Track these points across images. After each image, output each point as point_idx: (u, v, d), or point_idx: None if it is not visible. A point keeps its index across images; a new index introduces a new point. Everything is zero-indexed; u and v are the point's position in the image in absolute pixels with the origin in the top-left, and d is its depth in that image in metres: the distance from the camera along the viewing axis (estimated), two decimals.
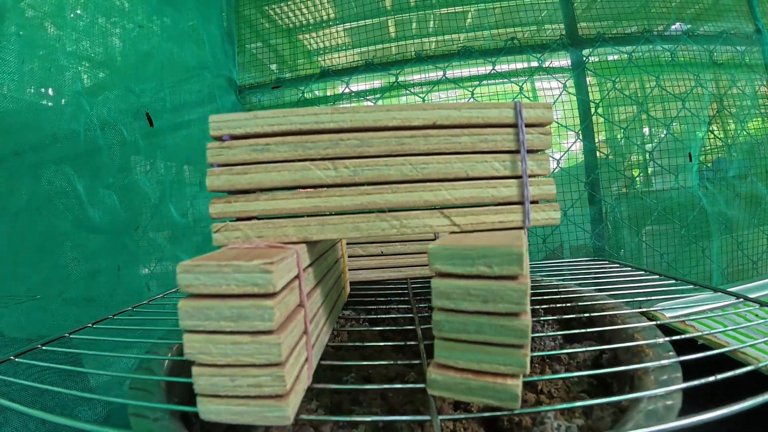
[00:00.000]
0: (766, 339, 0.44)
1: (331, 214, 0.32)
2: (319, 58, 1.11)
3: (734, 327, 0.50)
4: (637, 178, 1.00)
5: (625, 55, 0.99)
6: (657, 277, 0.60)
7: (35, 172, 0.60)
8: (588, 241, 0.96)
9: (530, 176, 0.33)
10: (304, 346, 0.29)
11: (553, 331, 0.52)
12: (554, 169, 0.96)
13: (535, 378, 0.39)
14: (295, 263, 0.29)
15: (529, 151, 0.33)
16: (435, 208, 0.32)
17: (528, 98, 0.99)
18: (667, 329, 0.60)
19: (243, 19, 1.13)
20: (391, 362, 0.38)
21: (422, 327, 0.43)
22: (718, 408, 0.27)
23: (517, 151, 0.32)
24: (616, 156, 0.98)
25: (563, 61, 1.01)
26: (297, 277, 0.29)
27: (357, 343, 0.44)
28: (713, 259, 0.95)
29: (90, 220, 0.63)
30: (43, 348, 0.43)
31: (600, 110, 0.96)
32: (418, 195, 0.32)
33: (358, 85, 1.03)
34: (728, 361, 0.51)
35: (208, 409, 0.26)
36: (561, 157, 0.96)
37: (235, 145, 0.33)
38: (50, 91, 0.64)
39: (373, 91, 1.05)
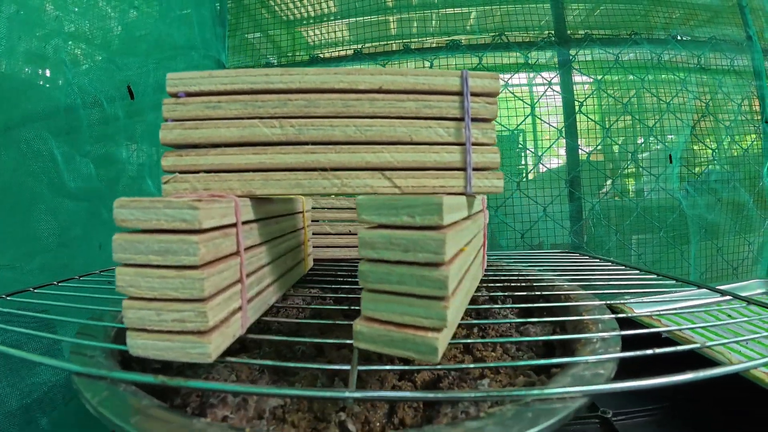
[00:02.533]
0: (738, 339, 0.44)
1: (275, 171, 0.33)
2: (318, 51, 1.11)
3: (708, 324, 0.50)
4: (619, 178, 1.00)
5: (612, 56, 1.00)
6: (637, 272, 0.59)
7: (16, 137, 0.61)
8: (567, 239, 0.96)
9: (474, 144, 0.33)
10: (238, 294, 0.30)
11: (512, 314, 0.52)
12: (535, 165, 0.97)
13: (478, 340, 0.40)
14: (232, 211, 0.30)
15: (475, 119, 0.33)
16: (377, 169, 0.32)
17: (514, 95, 1.00)
18: (633, 324, 0.61)
19: (241, 7, 1.14)
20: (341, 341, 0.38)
21: None
22: (647, 378, 0.27)
23: (462, 119, 0.33)
24: (599, 155, 0.99)
25: (549, 59, 1.02)
26: (234, 225, 0.30)
27: (315, 320, 0.44)
28: (691, 262, 0.96)
29: (66, 186, 0.64)
30: (8, 299, 0.44)
31: (584, 109, 0.97)
32: (360, 156, 0.32)
33: None
34: (693, 357, 0.51)
35: (135, 344, 0.27)
36: (542, 153, 0.97)
37: (189, 101, 0.34)
38: (36, 66, 0.65)
39: None
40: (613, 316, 0.40)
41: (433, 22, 1.15)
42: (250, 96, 0.33)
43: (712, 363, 0.46)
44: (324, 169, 0.32)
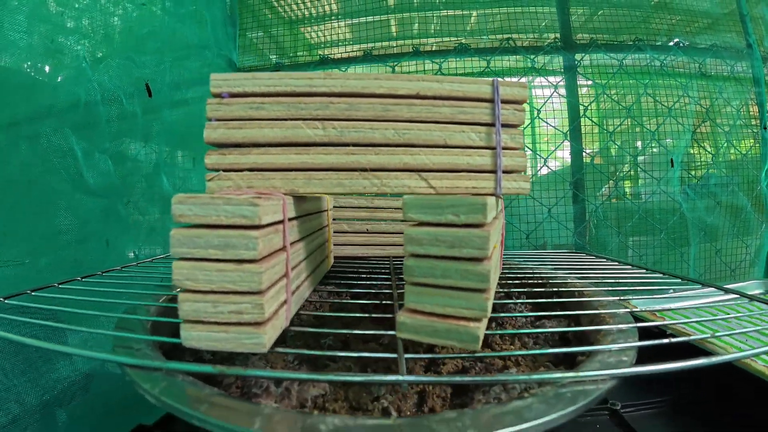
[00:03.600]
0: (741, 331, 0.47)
1: (317, 170, 0.34)
2: (320, 51, 1.13)
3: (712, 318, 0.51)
4: (622, 181, 1.03)
5: (616, 62, 1.02)
6: (643, 271, 0.61)
7: (36, 133, 0.62)
8: (570, 239, 0.99)
9: (503, 148, 0.35)
10: (284, 288, 0.32)
11: (526, 309, 0.54)
12: (541, 167, 0.99)
13: (500, 332, 0.42)
14: (281, 208, 0.31)
15: (504, 125, 0.35)
16: (414, 171, 0.34)
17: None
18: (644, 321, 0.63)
19: (246, 7, 1.15)
20: (368, 331, 0.40)
21: (399, 303, 0.45)
22: (663, 363, 0.29)
23: (493, 124, 0.35)
24: (602, 158, 1.01)
25: (556, 64, 1.04)
26: (282, 222, 0.31)
27: (338, 313, 0.46)
28: (690, 264, 0.99)
29: (86, 183, 0.65)
30: (33, 294, 0.45)
31: (588, 113, 0.99)
32: (398, 158, 0.34)
33: None
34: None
35: (190, 335, 0.28)
36: (548, 156, 0.99)
37: (233, 102, 0.35)
38: (50, 62, 0.66)
39: None
40: (627, 309, 0.42)
41: (434, 23, 1.17)
42: (293, 98, 0.35)
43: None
44: (364, 170, 0.34)
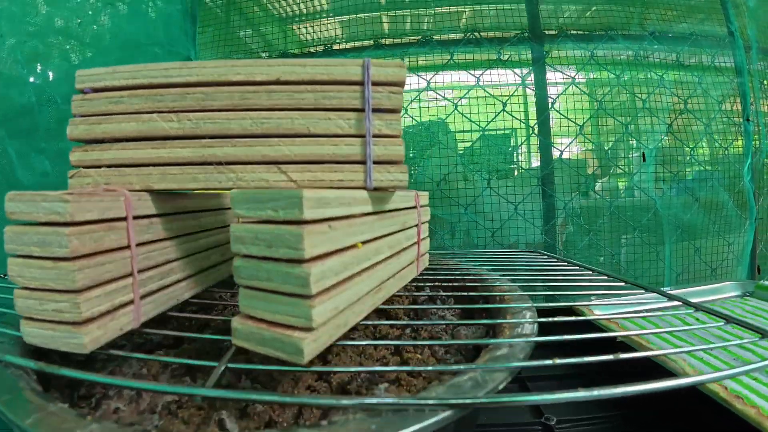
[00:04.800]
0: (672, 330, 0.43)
1: (173, 165, 0.32)
2: (310, 49, 1.11)
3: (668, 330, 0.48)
4: (593, 176, 0.99)
5: (587, 52, 0.98)
6: (605, 277, 0.56)
7: None
8: (539, 238, 0.95)
9: (375, 136, 0.33)
10: (129, 288, 0.30)
11: (451, 315, 0.52)
12: (512, 165, 0.96)
13: (402, 342, 0.39)
14: (121, 206, 0.29)
15: (377, 110, 0.33)
16: (273, 163, 0.32)
17: (486, 91, 0.99)
18: (592, 326, 0.60)
19: (232, 3, 1.13)
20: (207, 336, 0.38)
21: None
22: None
23: (363, 110, 0.33)
24: (573, 153, 0.97)
25: (523, 55, 1.01)
26: (122, 219, 0.30)
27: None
28: (666, 263, 0.94)
29: (20, 183, 0.65)
30: None
31: (557, 106, 0.95)
32: (257, 150, 0.32)
33: None
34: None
35: (27, 331, 0.28)
36: (516, 150, 0.96)
37: (95, 97, 0.34)
38: None
39: None
40: (535, 320, 0.39)
41: (427, 19, 1.14)
42: (150, 90, 0.33)
43: (666, 372, 0.45)
44: (219, 163, 0.32)
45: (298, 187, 0.32)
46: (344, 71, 0.32)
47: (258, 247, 0.25)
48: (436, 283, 0.55)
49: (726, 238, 0.98)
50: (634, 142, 0.97)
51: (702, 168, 0.99)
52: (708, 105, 1.00)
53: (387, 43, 1.02)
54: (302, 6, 1.08)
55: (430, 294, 0.53)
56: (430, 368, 0.29)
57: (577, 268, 0.62)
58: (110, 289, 0.28)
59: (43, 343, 0.28)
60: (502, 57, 0.98)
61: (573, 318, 0.49)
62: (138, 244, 0.31)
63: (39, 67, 0.68)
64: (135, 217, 0.31)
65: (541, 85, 0.98)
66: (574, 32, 1.00)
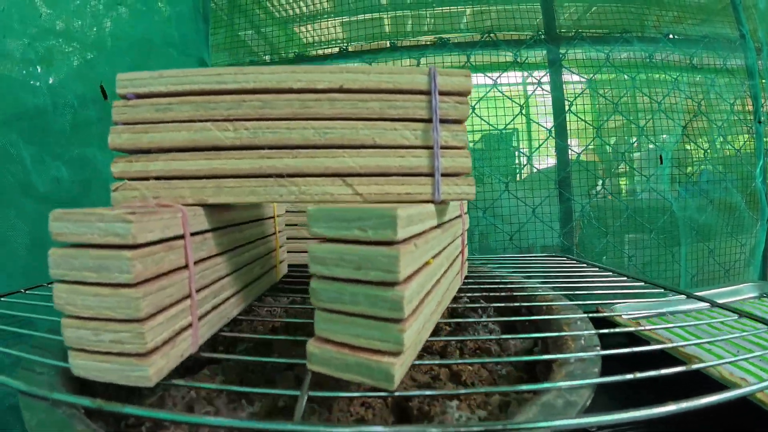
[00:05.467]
0: (712, 339, 0.43)
1: (229, 177, 0.30)
2: (312, 50, 1.09)
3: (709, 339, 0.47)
4: (610, 179, 0.98)
5: (603, 55, 0.98)
6: (624, 278, 0.57)
7: None
8: (556, 240, 0.95)
9: (443, 147, 0.31)
10: (187, 311, 0.28)
11: (493, 325, 0.50)
12: (524, 165, 0.95)
13: (451, 362, 0.38)
14: (179, 223, 0.27)
15: (444, 121, 0.31)
16: (337, 175, 0.30)
17: (503, 93, 0.98)
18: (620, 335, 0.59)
19: (234, 5, 1.11)
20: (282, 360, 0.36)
21: None
22: (623, 411, 0.25)
23: (430, 120, 0.31)
24: (589, 155, 0.97)
25: (539, 57, 1.00)
26: (182, 237, 0.28)
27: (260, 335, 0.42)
28: (682, 264, 0.94)
29: (35, 189, 0.62)
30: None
31: (574, 108, 0.95)
32: (319, 161, 0.30)
33: None
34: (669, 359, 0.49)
35: (77, 364, 0.25)
36: (532, 153, 0.95)
37: (139, 104, 0.32)
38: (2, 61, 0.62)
39: None
40: (594, 332, 0.38)
41: (427, 19, 1.13)
42: (202, 97, 0.31)
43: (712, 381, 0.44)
44: (280, 176, 0.30)
45: (364, 201, 0.31)
46: (410, 80, 0.31)
47: (343, 269, 0.23)
48: (476, 293, 0.54)
49: (738, 238, 0.98)
50: (652, 146, 0.96)
51: (715, 170, 0.99)
52: (721, 107, 1.01)
53: (403, 45, 1.00)
54: (318, 6, 1.06)
55: (469, 306, 0.51)
56: (523, 387, 0.28)
57: (611, 273, 0.61)
58: (171, 314, 0.26)
59: (98, 376, 0.25)
60: (519, 59, 0.97)
61: (622, 329, 0.49)
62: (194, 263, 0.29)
63: (53, 69, 0.65)
64: (191, 234, 0.29)
65: (557, 87, 0.97)
66: (590, 34, 1.00)
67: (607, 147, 0.98)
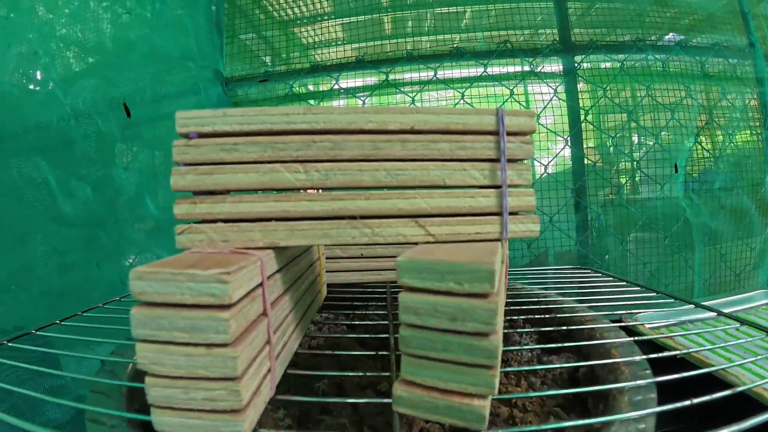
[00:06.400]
0: (753, 359, 0.44)
1: (300, 220, 0.30)
2: (313, 52, 1.09)
3: (720, 345, 0.49)
4: (624, 186, 1.00)
5: (617, 64, 0.99)
6: (638, 288, 0.60)
7: (4, 161, 0.58)
8: (572, 248, 0.96)
9: (510, 186, 0.32)
10: (267, 357, 0.28)
11: (531, 341, 0.51)
12: (542, 175, 0.96)
13: (511, 395, 0.38)
14: (258, 271, 0.27)
15: (510, 161, 0.32)
16: (409, 216, 0.30)
17: (519, 103, 0.98)
18: (645, 342, 0.60)
19: (236, 8, 1.10)
20: (362, 373, 0.36)
21: (395, 336, 0.42)
22: None
23: (498, 160, 0.31)
24: (604, 164, 0.98)
25: (555, 66, 1.01)
26: (260, 285, 0.28)
27: (332, 351, 0.42)
28: (695, 270, 0.96)
29: (62, 213, 0.61)
30: (9, 344, 0.42)
31: (590, 117, 0.95)
32: (392, 202, 0.30)
33: (347, 81, 1.02)
34: (707, 378, 0.50)
35: (162, 421, 0.25)
36: (549, 162, 0.95)
37: (202, 143, 0.31)
38: (24, 79, 0.61)
39: (363, 88, 1.04)
40: (644, 357, 0.39)
41: (428, 22, 1.13)
42: (269, 138, 0.31)
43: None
44: (353, 217, 0.30)
45: (436, 241, 0.31)
46: (478, 120, 0.31)
47: (438, 320, 0.24)
48: (509, 308, 0.55)
49: (748, 243, 1.00)
50: (663, 152, 0.98)
51: (726, 176, 1.00)
52: (732, 115, 1.02)
53: (419, 55, 1.00)
54: (332, 11, 1.06)
55: (508, 320, 0.52)
56: (621, 417, 0.28)
57: (625, 283, 0.63)
58: (258, 364, 0.26)
59: None
60: (535, 69, 0.97)
61: (669, 354, 0.49)
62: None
63: (73, 87, 0.64)
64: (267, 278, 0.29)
65: (573, 97, 0.98)
66: (604, 43, 1.00)
67: (622, 155, 0.99)
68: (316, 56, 1.12)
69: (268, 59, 1.15)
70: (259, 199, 0.31)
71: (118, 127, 0.72)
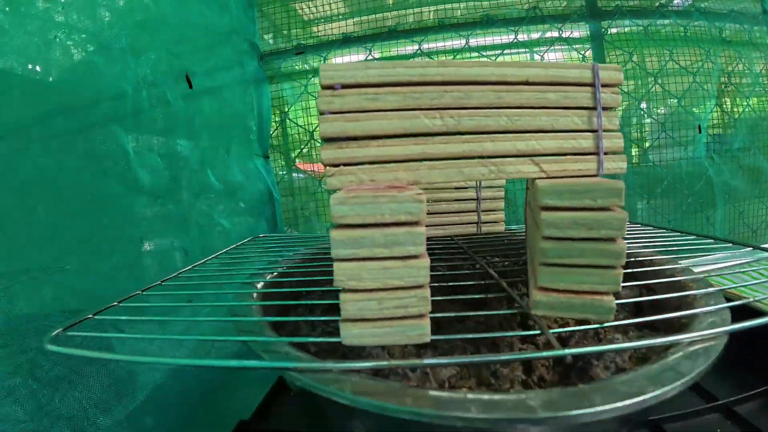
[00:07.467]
0: None
1: (437, 160, 0.36)
2: (344, 23, 1.11)
3: None
4: (650, 147, 1.06)
5: (641, 28, 1.03)
6: (693, 236, 0.62)
7: (85, 133, 0.61)
8: None
9: (604, 130, 0.37)
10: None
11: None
12: None
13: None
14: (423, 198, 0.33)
15: (603, 108, 0.37)
16: (527, 156, 0.36)
17: None
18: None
19: None
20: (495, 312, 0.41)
21: (505, 281, 0.46)
22: None
23: (594, 108, 0.37)
24: (630, 126, 1.04)
25: (582, 32, 1.05)
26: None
27: (456, 297, 0.43)
28: (716, 227, 1.03)
29: (138, 182, 0.65)
30: (95, 318, 0.40)
31: None
32: (512, 144, 0.36)
33: (378, 52, 1.05)
34: None
35: (351, 333, 0.29)
36: None
37: (346, 93, 0.36)
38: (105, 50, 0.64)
39: (398, 57, 1.08)
40: (703, 275, 0.46)
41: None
42: (408, 88, 0.35)
43: None
44: (482, 157, 0.36)
45: (548, 177, 0.37)
46: (579, 74, 0.36)
47: (577, 231, 0.30)
48: None
49: (764, 201, 1.08)
50: (686, 114, 1.03)
51: (745, 137, 1.07)
52: (748, 78, 1.07)
53: (450, 24, 1.03)
54: None
55: None
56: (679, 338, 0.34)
57: (679, 233, 0.68)
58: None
59: (374, 341, 0.29)
60: (562, 34, 1.01)
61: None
62: None
63: (142, 59, 0.68)
64: None
65: (600, 62, 1.02)
66: (629, 8, 1.04)
67: (647, 118, 1.04)
68: (347, 28, 1.15)
69: (298, 32, 1.18)
70: (400, 142, 0.36)
71: (182, 98, 0.76)
